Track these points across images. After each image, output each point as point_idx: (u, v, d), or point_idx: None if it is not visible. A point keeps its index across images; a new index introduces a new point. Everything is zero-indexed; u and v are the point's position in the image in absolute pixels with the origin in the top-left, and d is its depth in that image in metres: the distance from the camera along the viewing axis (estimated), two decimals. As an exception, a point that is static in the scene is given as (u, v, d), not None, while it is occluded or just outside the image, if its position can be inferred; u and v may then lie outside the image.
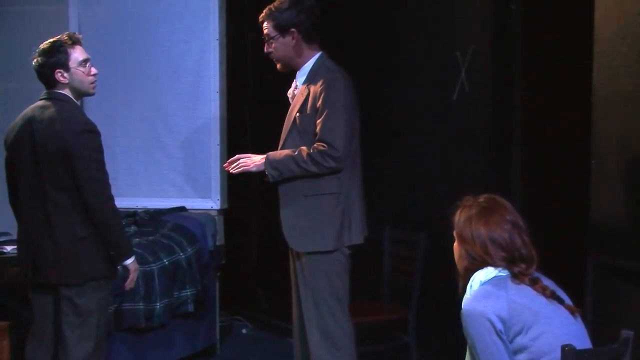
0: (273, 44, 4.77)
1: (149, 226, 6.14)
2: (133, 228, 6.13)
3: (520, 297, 3.09)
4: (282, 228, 4.74)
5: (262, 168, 4.68)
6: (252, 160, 4.72)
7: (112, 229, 4.40)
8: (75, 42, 4.47)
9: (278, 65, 4.86)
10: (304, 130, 4.68)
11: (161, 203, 6.45)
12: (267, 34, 4.77)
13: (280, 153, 4.69)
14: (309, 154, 4.60)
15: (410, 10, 5.95)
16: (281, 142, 4.77)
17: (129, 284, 4.58)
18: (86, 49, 4.53)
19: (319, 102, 4.61)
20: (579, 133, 4.69)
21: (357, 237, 4.75)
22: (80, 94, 4.54)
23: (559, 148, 5.11)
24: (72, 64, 4.43)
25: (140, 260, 5.38)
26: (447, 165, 5.66)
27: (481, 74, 5.43)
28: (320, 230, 4.67)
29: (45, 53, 4.43)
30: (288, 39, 4.74)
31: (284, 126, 4.78)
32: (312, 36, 4.77)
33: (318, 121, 4.60)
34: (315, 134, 4.63)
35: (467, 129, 5.56)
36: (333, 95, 4.63)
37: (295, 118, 4.71)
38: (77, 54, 4.44)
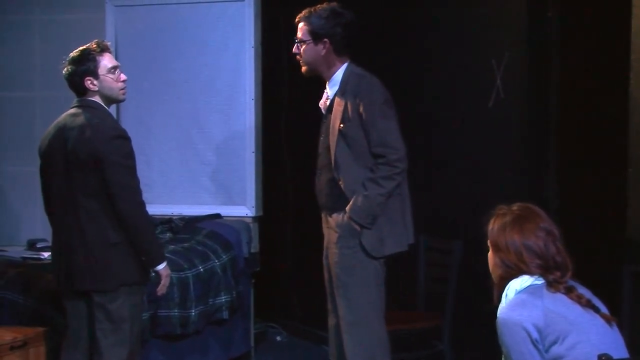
0: (303, 47, 4.76)
1: (184, 233, 6.15)
2: (168, 235, 6.16)
3: (556, 306, 3.07)
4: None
5: (360, 230, 4.66)
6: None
7: (143, 235, 4.42)
8: (103, 49, 4.50)
9: (303, 69, 4.83)
10: (352, 139, 4.65)
11: (196, 210, 6.45)
12: (300, 37, 4.76)
13: (354, 204, 4.64)
14: (376, 179, 4.59)
15: (445, 17, 5.94)
16: (333, 157, 4.69)
17: (161, 289, 4.58)
18: (122, 57, 4.57)
19: (361, 109, 4.60)
20: (616, 140, 4.65)
21: (410, 237, 4.80)
22: (111, 100, 4.56)
23: (596, 155, 5.07)
24: (101, 71, 4.45)
25: (175, 267, 5.40)
26: (482, 172, 5.64)
27: (517, 80, 5.40)
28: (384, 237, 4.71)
29: (74, 61, 4.47)
30: (319, 47, 4.73)
31: (330, 140, 4.71)
32: (344, 49, 4.75)
33: (369, 130, 4.59)
34: (362, 142, 4.62)
35: (502, 135, 5.54)
36: (372, 97, 4.63)
37: (339, 130, 4.66)
38: (106, 62, 4.47)
